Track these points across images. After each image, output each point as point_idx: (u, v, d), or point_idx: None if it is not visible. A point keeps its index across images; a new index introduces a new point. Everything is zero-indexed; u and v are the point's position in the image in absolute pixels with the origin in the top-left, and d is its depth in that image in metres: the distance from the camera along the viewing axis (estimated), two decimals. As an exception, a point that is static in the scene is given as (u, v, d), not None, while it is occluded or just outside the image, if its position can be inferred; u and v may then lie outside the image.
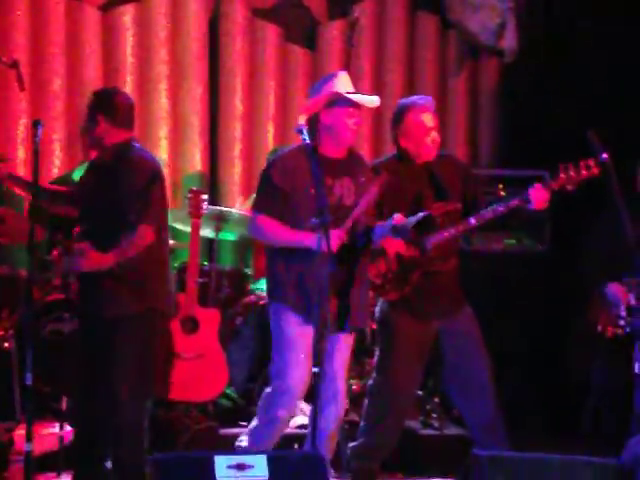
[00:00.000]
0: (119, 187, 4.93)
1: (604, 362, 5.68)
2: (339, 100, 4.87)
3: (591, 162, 5.06)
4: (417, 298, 5.23)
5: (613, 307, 5.60)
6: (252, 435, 5.00)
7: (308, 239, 4.75)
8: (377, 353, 5.44)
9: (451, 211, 5.25)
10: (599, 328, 5.63)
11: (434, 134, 5.27)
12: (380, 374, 5.37)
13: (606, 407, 5.71)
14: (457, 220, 5.23)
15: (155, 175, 4.91)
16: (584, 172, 5.09)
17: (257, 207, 4.97)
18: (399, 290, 5.22)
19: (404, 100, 5.47)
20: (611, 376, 5.62)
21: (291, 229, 4.85)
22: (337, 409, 4.94)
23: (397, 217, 4.95)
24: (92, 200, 5.01)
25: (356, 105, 4.91)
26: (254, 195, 5.15)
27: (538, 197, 5.09)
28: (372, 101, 5.01)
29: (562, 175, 5.10)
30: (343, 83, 4.92)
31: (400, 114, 5.31)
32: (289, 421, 5.06)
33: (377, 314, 5.41)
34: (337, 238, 4.72)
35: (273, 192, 4.89)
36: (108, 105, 5.00)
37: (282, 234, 4.87)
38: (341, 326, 4.91)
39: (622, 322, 5.57)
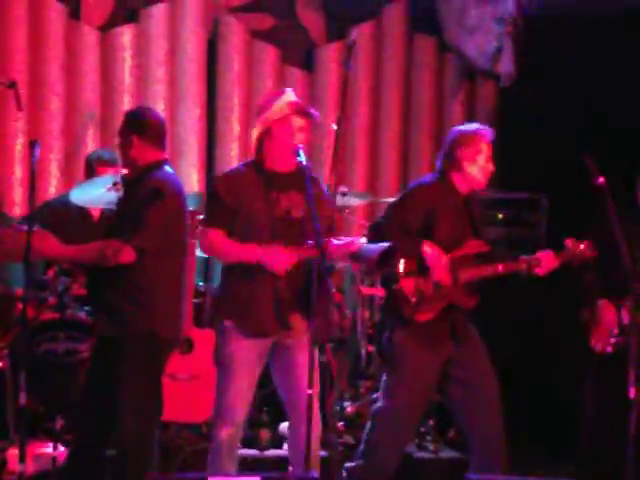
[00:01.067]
0: (125, 205, 4.95)
1: (594, 387, 5.67)
2: (291, 115, 4.93)
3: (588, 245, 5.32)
4: (434, 328, 5.22)
5: (603, 324, 5.63)
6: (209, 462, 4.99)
7: (258, 253, 4.79)
8: (385, 378, 5.37)
9: (483, 252, 5.29)
10: (598, 346, 5.64)
11: (492, 163, 5.36)
12: (388, 399, 5.31)
13: (598, 437, 5.70)
14: (485, 261, 5.29)
15: (159, 196, 4.85)
16: (587, 253, 5.35)
17: (206, 222, 4.99)
18: (423, 314, 5.22)
19: (471, 126, 5.47)
20: (602, 405, 5.61)
21: (241, 244, 4.86)
22: (313, 427, 4.91)
23: (358, 243, 4.95)
24: (111, 217, 5.05)
25: (306, 119, 4.97)
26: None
27: (548, 266, 5.30)
28: (317, 116, 5.10)
29: (575, 251, 5.35)
30: (292, 98, 5.00)
31: (469, 139, 5.33)
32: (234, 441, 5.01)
33: (389, 339, 5.32)
34: (287, 258, 4.78)
35: (220, 207, 4.91)
36: (140, 125, 5.00)
37: (233, 248, 4.88)
38: (303, 339, 4.88)
39: (612, 340, 5.58)
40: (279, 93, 5.04)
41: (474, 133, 5.36)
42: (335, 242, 4.88)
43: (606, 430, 5.51)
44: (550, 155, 7.48)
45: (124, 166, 5.14)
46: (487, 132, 5.39)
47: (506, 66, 8.05)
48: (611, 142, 6.98)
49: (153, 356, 4.91)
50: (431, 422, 6.52)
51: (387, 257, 5.12)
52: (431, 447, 6.42)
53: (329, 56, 8.09)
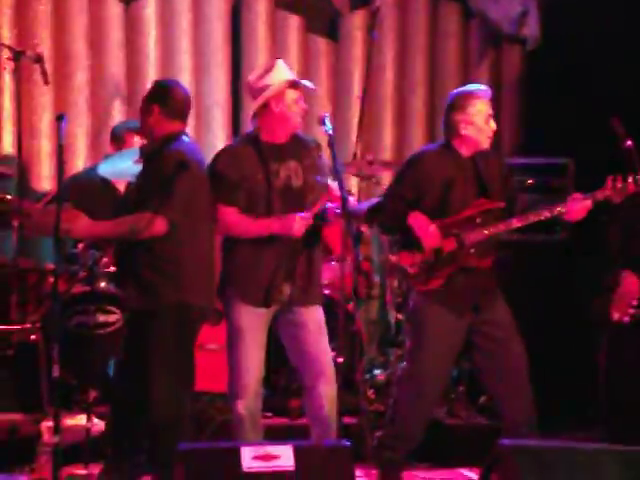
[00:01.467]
0: (147, 177, 4.96)
1: (608, 354, 5.68)
2: (288, 88, 5.00)
3: (635, 177, 5.07)
4: (451, 293, 5.23)
5: (624, 294, 5.62)
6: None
7: (275, 226, 4.89)
8: (407, 342, 5.44)
9: (493, 209, 5.25)
10: (614, 315, 5.64)
11: (493, 122, 5.30)
12: (410, 363, 5.36)
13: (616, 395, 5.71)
14: (498, 218, 5.25)
15: (183, 167, 4.86)
16: (632, 186, 5.09)
17: (216, 201, 5.02)
18: (433, 281, 5.23)
19: (463, 89, 5.45)
20: (618, 364, 5.62)
21: (256, 219, 4.94)
22: (327, 387, 4.98)
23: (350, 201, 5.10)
24: (134, 190, 5.07)
25: (300, 90, 5.06)
26: None
27: (574, 208, 5.15)
28: (310, 85, 5.21)
29: (609, 186, 5.11)
30: (286, 71, 5.05)
31: (462, 102, 5.31)
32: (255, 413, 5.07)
33: (410, 305, 5.38)
34: (304, 221, 4.88)
35: (226, 184, 4.98)
36: (164, 96, 5.02)
37: (248, 225, 4.96)
38: (306, 301, 5.02)
39: (631, 311, 5.58)
40: (270, 67, 5.05)
41: (468, 95, 5.33)
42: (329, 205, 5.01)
43: (623, 396, 5.52)
44: (577, 119, 7.44)
45: (142, 135, 5.16)
46: (482, 92, 5.35)
47: (532, 30, 8.01)
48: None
49: (184, 327, 4.94)
50: (461, 389, 6.53)
51: (376, 211, 5.22)
52: (462, 414, 6.43)
53: (353, 24, 8.05)
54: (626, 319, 5.55)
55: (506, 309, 5.33)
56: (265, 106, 4.99)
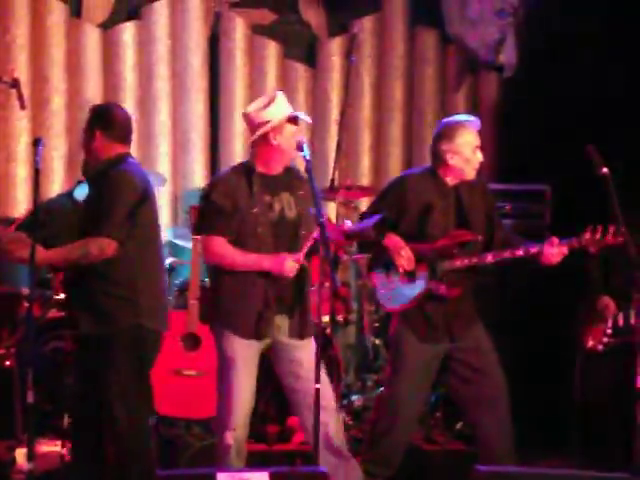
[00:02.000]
0: (94, 200, 4.92)
1: (583, 376, 5.70)
2: (287, 122, 4.99)
3: (615, 230, 5.06)
4: (423, 320, 5.26)
5: (602, 321, 5.65)
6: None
7: (266, 264, 4.86)
8: (387, 367, 5.49)
9: (470, 241, 5.27)
10: (589, 342, 5.67)
11: (480, 153, 5.32)
12: (387, 387, 5.41)
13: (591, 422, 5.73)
14: (475, 250, 5.27)
15: (129, 188, 4.86)
16: (610, 239, 5.08)
17: (205, 229, 5.02)
18: (403, 304, 5.26)
19: (452, 119, 5.47)
20: (592, 391, 5.64)
21: (246, 253, 4.91)
22: (330, 419, 4.95)
23: (347, 224, 5.18)
24: (81, 215, 5.02)
25: (298, 124, 5.06)
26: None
27: (549, 252, 5.13)
28: (308, 119, 5.24)
29: (587, 236, 5.11)
30: (286, 105, 5.04)
31: (450, 131, 5.32)
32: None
33: (390, 331, 5.43)
34: (296, 262, 4.86)
35: (218, 213, 4.95)
36: (105, 120, 5.01)
37: (237, 257, 4.93)
38: (301, 334, 4.98)
39: (605, 339, 5.60)
40: (271, 100, 5.04)
41: (456, 125, 5.34)
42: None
43: (599, 416, 5.54)
44: (554, 146, 7.48)
45: (90, 161, 5.10)
46: (471, 123, 5.36)
47: (509, 57, 8.05)
48: (615, 131, 6.98)
49: (141, 351, 4.91)
50: (439, 414, 6.52)
51: (380, 224, 5.20)
52: (439, 439, 6.42)
53: (331, 50, 8.08)
54: (600, 347, 5.58)
55: (485, 336, 5.34)
56: (264, 138, 4.99)
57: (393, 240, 5.22)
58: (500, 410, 5.26)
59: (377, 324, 7.04)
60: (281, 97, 5.04)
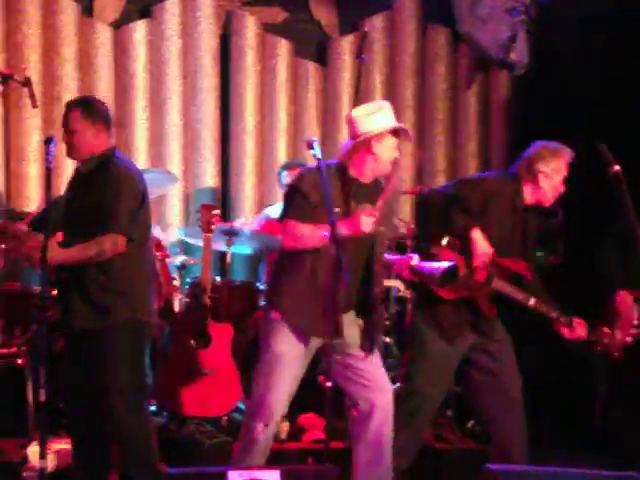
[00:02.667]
0: (93, 197, 4.91)
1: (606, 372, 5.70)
2: (390, 133, 4.97)
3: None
4: (455, 314, 5.27)
5: (627, 314, 5.64)
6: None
7: (343, 228, 4.72)
8: (405, 358, 5.50)
9: (522, 275, 5.30)
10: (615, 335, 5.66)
11: (563, 186, 5.35)
12: (407, 382, 5.39)
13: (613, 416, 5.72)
14: (521, 285, 5.29)
15: (131, 187, 4.90)
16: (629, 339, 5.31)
17: (286, 215, 4.94)
18: (448, 292, 5.24)
19: (552, 143, 5.42)
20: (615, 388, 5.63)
21: (316, 227, 4.80)
22: (385, 417, 4.99)
23: (416, 259, 5.09)
24: (74, 209, 5.02)
25: (398, 137, 5.02)
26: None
27: (572, 332, 5.25)
28: (410, 135, 5.22)
29: (605, 339, 5.27)
30: (391, 116, 5.02)
31: (551, 156, 5.33)
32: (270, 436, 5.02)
33: (410, 323, 5.44)
34: (371, 216, 4.77)
35: (302, 202, 4.88)
36: (94, 112, 4.99)
37: (312, 230, 4.81)
38: (369, 347, 4.97)
39: (633, 331, 5.58)
40: (378, 109, 5.02)
41: (558, 151, 5.34)
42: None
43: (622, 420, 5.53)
44: (565, 144, 7.45)
45: (80, 156, 5.05)
46: (570, 153, 5.36)
47: (520, 55, 8.05)
48: (627, 129, 6.96)
49: (137, 343, 4.92)
50: (449, 413, 6.51)
51: (449, 274, 5.16)
52: (450, 438, 6.42)
53: (342, 49, 8.09)
54: (629, 340, 5.56)
55: (503, 329, 5.36)
56: (364, 144, 4.95)
57: (481, 235, 5.15)
58: (518, 409, 5.27)
59: (388, 322, 7.03)
60: (388, 107, 5.03)
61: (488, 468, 4.06)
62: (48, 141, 4.74)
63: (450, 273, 5.17)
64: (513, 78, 8.22)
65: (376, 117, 4.97)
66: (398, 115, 8.17)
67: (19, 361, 5.84)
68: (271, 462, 5.08)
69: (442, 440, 6.42)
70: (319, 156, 4.85)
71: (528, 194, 5.32)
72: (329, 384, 4.56)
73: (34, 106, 6.04)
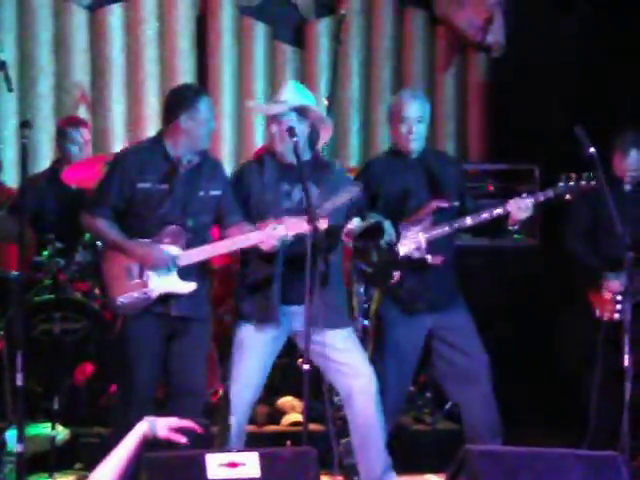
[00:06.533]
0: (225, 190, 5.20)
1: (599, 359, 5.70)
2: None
3: (588, 175, 5.18)
4: (405, 292, 5.27)
5: (607, 293, 5.66)
6: None
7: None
8: (370, 345, 5.50)
9: (446, 208, 5.28)
10: (597, 312, 5.68)
11: (410, 124, 5.30)
12: (373, 367, 5.39)
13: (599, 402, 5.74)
14: (451, 217, 5.26)
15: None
16: (584, 184, 5.21)
17: None
18: (385, 282, 5.26)
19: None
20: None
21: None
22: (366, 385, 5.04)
23: (354, 222, 5.11)
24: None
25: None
26: None
27: (513, 208, 5.18)
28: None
29: (561, 183, 5.23)
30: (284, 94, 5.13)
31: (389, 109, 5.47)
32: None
33: (371, 308, 5.47)
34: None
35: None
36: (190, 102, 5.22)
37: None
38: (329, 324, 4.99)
39: (618, 306, 5.60)
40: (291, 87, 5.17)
41: (395, 97, 5.56)
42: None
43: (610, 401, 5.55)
44: (541, 126, 7.48)
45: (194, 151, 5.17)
46: (407, 93, 5.54)
47: (497, 37, 8.05)
48: (604, 111, 6.99)
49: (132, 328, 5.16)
50: (428, 394, 6.54)
51: (371, 232, 5.17)
52: (428, 419, 6.44)
53: (319, 31, 8.06)
54: (616, 316, 5.57)
55: (467, 316, 5.37)
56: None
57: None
58: (482, 387, 5.30)
59: (366, 305, 7.04)
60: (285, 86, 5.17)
61: (467, 449, 4.08)
62: (24, 125, 4.73)
63: (373, 231, 5.16)
64: (490, 60, 8.22)
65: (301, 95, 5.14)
66: (375, 98, 8.20)
67: (-4, 346, 5.84)
68: (250, 445, 5.10)
69: (420, 421, 6.45)
70: (296, 140, 4.88)
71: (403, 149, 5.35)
72: (306, 367, 4.58)
73: (10, 90, 6.01)
